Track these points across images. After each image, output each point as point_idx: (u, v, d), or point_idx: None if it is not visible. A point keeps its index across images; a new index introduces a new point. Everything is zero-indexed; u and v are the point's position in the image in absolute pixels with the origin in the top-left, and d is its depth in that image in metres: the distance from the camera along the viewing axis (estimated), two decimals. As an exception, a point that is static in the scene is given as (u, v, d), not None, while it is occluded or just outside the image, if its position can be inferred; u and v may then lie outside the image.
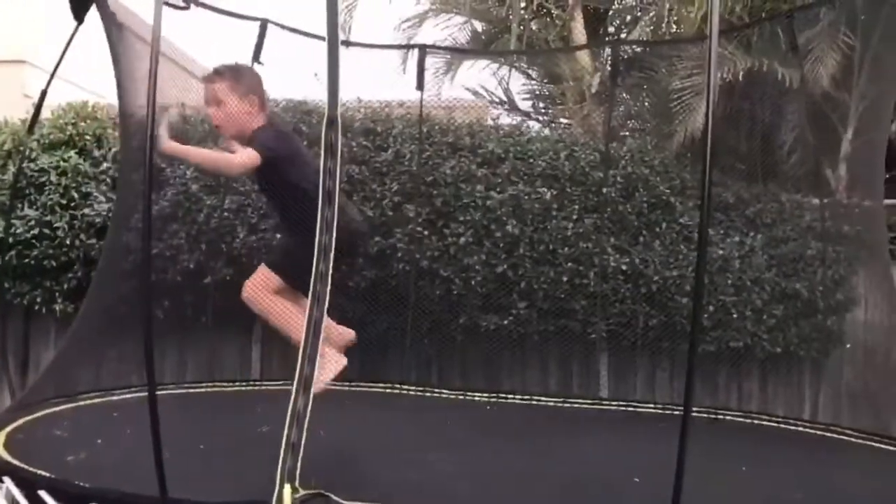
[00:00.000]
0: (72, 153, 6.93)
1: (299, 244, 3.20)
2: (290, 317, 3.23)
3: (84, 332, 5.32)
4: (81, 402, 4.98)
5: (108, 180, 6.84)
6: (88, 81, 9.37)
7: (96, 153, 7.02)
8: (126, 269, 5.37)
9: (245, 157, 3.11)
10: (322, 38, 2.90)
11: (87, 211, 6.70)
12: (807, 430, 5.59)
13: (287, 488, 2.46)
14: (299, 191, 3.27)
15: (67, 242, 6.65)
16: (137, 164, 4.52)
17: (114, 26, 4.93)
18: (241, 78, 3.32)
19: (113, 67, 5.14)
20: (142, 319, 2.49)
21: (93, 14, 4.79)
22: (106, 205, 6.66)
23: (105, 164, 6.94)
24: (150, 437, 2.51)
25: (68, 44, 4.82)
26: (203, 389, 6.01)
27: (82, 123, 7.18)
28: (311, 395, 2.47)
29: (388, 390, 6.20)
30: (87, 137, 7.08)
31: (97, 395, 5.18)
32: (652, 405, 6.31)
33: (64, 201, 6.75)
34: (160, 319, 6.18)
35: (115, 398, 5.13)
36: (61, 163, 6.84)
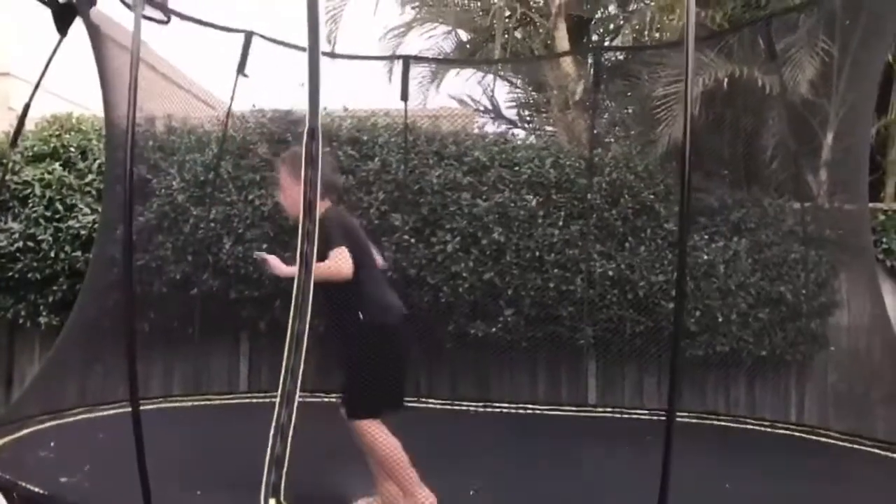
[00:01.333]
0: (56, 165, 6.92)
1: (364, 363, 3.31)
2: (393, 458, 3.28)
3: (69, 345, 5.29)
4: (67, 419, 4.95)
5: (94, 192, 6.83)
6: (73, 93, 9.35)
7: (81, 165, 7.01)
8: (111, 282, 5.35)
9: (344, 261, 3.18)
10: (306, 50, 2.91)
11: (72, 223, 6.69)
12: (793, 433, 5.63)
13: (272, 502, 2.46)
14: (362, 292, 3.35)
15: (52, 255, 6.62)
16: (122, 175, 4.52)
17: (98, 39, 4.94)
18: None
19: (98, 79, 5.14)
20: (125, 336, 2.48)
21: (77, 26, 4.79)
22: (91, 217, 6.65)
23: (90, 176, 6.93)
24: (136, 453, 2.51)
25: (52, 56, 4.81)
26: (190, 403, 5.99)
27: (67, 135, 7.18)
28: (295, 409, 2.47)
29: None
30: (72, 149, 7.07)
31: (83, 411, 5.15)
32: (639, 411, 6.34)
33: (48, 214, 6.73)
34: (146, 332, 6.17)
35: (100, 414, 5.10)
36: (46, 175, 6.83)
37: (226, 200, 6.56)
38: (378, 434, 3.31)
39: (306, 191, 2.68)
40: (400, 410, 3.45)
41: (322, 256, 3.08)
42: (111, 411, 5.08)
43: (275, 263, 3.54)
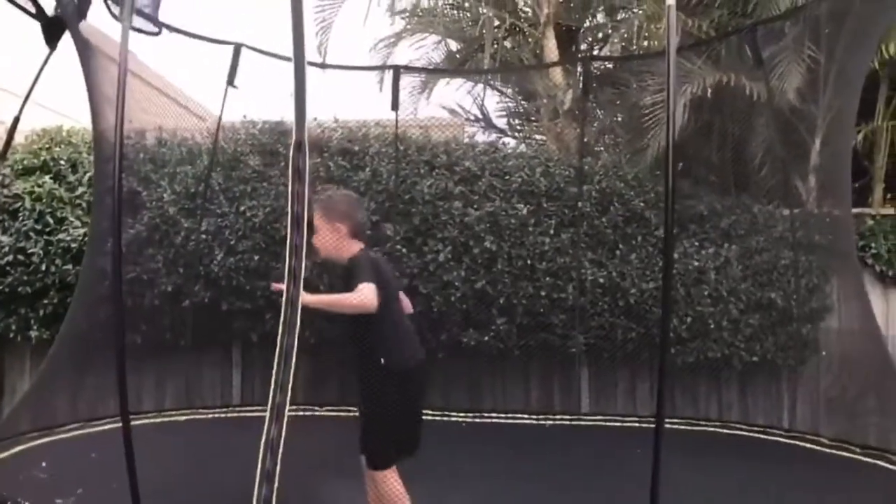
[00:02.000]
0: (46, 178, 6.91)
1: (378, 406, 3.30)
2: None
3: (60, 360, 5.27)
4: (59, 436, 4.93)
5: (84, 205, 6.82)
6: (63, 105, 9.34)
7: (71, 178, 7.00)
8: (102, 295, 5.34)
9: (371, 294, 3.18)
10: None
11: (62, 236, 6.67)
12: (784, 439, 5.65)
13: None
14: (384, 333, 3.36)
15: (43, 268, 6.61)
16: (111, 187, 4.53)
17: (87, 51, 4.94)
18: (331, 206, 3.49)
19: (87, 92, 5.14)
20: (115, 351, 2.48)
21: (66, 39, 4.79)
22: (82, 230, 6.63)
23: (80, 189, 6.92)
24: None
25: (41, 69, 4.81)
26: (183, 417, 5.97)
27: (57, 148, 7.17)
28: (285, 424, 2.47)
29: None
30: (62, 162, 7.06)
31: (75, 427, 5.13)
32: (632, 418, 6.35)
33: (39, 227, 6.72)
34: (138, 345, 6.16)
35: (92, 430, 5.08)
36: (36, 188, 6.82)
37: (217, 212, 6.56)
38: (393, 485, 3.33)
39: (293, 204, 2.69)
40: (414, 453, 3.45)
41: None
42: (103, 426, 5.07)
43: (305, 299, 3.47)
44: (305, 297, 3.34)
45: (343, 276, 3.42)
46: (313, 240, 3.44)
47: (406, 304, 3.69)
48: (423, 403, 3.60)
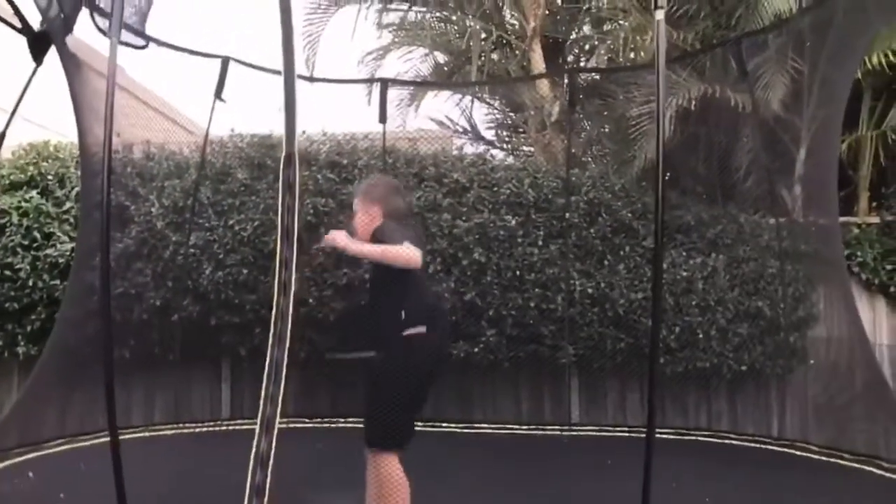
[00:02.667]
0: (33, 193, 6.89)
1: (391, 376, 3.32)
2: (400, 495, 3.30)
3: (47, 375, 5.23)
4: (46, 451, 4.89)
5: (72, 220, 6.80)
6: (50, 120, 9.31)
7: (59, 193, 6.98)
8: (90, 309, 5.31)
9: (416, 252, 3.30)
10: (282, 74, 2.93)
11: (49, 251, 6.65)
12: (774, 447, 5.67)
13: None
14: (410, 287, 3.45)
15: (30, 284, 6.57)
16: (98, 202, 4.51)
17: (74, 66, 4.93)
18: (369, 191, 3.65)
19: (73, 106, 5.13)
20: (104, 365, 2.47)
21: (53, 53, 4.78)
22: (69, 245, 6.61)
23: (68, 204, 6.90)
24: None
25: (28, 84, 4.80)
26: (172, 431, 5.94)
27: (44, 163, 7.15)
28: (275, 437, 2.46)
29: (359, 424, 6.16)
30: (50, 177, 7.04)
31: (62, 442, 5.09)
32: (622, 428, 6.36)
33: (26, 242, 6.69)
34: (126, 359, 6.12)
35: (80, 444, 5.04)
36: (23, 203, 6.79)
37: (205, 226, 6.54)
38: (394, 472, 3.32)
39: (284, 216, 2.68)
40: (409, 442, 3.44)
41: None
42: (91, 441, 5.03)
43: (340, 238, 3.46)
44: (353, 246, 3.39)
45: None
46: (353, 222, 3.57)
47: None
48: (435, 376, 3.57)
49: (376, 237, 3.41)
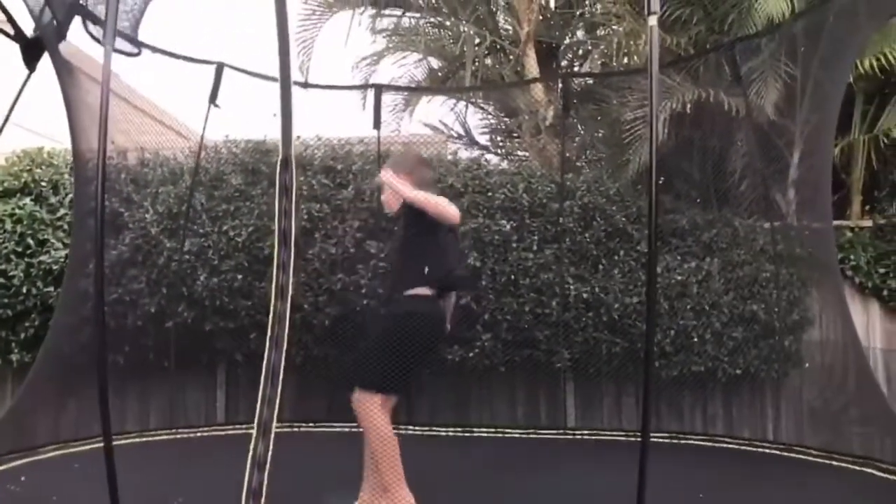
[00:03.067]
0: (27, 200, 6.87)
1: (399, 327, 3.42)
2: (386, 447, 3.31)
3: (41, 382, 5.21)
4: (39, 456, 4.86)
5: (66, 227, 6.78)
6: (44, 127, 9.29)
7: (53, 199, 6.96)
8: (84, 316, 5.30)
9: (455, 207, 3.53)
10: (277, 80, 2.94)
11: (43, 258, 6.62)
12: (770, 450, 5.68)
13: (250, 533, 2.44)
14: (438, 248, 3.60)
15: (24, 291, 6.55)
16: (92, 208, 4.51)
17: (67, 73, 4.92)
18: (399, 161, 3.79)
19: (66, 112, 5.12)
20: (98, 369, 2.46)
21: (46, 59, 4.78)
22: (63, 252, 6.59)
23: (62, 211, 6.88)
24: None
25: (21, 90, 4.79)
26: (166, 437, 5.91)
27: (38, 170, 7.12)
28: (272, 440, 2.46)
29: (355, 429, 6.16)
30: (43, 184, 7.02)
31: (56, 448, 5.07)
32: (618, 432, 6.36)
33: (20, 249, 6.66)
34: (121, 366, 6.10)
35: (74, 450, 5.02)
36: (17, 210, 6.77)
37: (199, 232, 6.53)
38: (379, 421, 3.33)
39: (281, 220, 2.69)
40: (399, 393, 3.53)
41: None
42: (85, 447, 5.01)
43: (392, 180, 3.59)
44: (406, 191, 3.45)
45: (406, 216, 3.62)
46: (382, 196, 3.70)
47: None
48: (433, 341, 3.63)
49: (408, 207, 3.50)
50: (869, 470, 4.86)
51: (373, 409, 3.33)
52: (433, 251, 3.54)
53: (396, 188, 3.48)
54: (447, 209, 3.46)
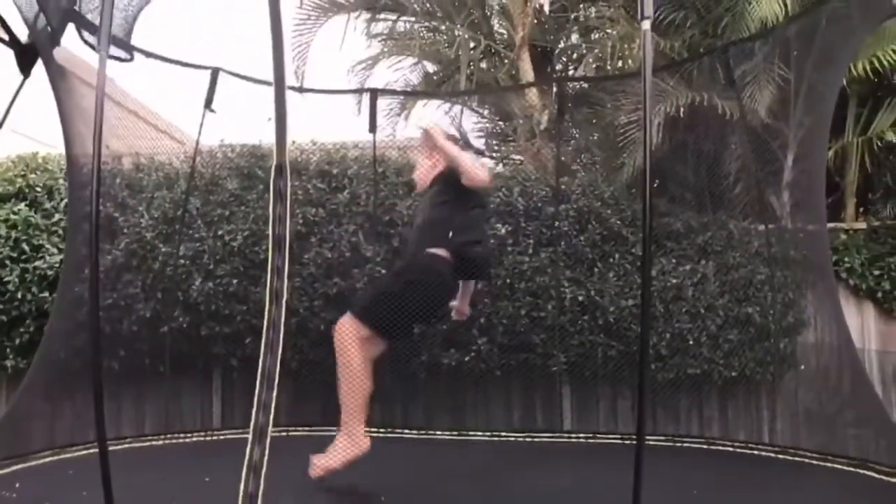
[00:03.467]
0: (22, 205, 6.86)
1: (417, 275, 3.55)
2: (352, 398, 3.31)
3: (35, 387, 5.20)
4: (34, 462, 4.85)
5: (61, 232, 6.77)
6: (38, 132, 9.27)
7: (47, 205, 6.95)
8: (79, 322, 5.29)
9: (485, 169, 3.70)
10: (272, 85, 2.95)
11: (38, 264, 6.61)
12: (766, 453, 5.68)
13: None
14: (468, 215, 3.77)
15: (18, 296, 6.54)
16: (87, 213, 4.50)
17: (61, 78, 4.92)
18: (428, 139, 3.97)
19: (60, 118, 5.12)
20: (92, 374, 2.46)
21: (41, 64, 4.77)
22: (58, 257, 6.58)
23: (57, 216, 6.87)
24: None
25: (15, 96, 4.79)
26: (162, 442, 5.90)
27: (32, 175, 7.12)
28: (267, 446, 2.46)
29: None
30: (38, 189, 7.01)
31: (51, 453, 5.05)
32: (613, 436, 6.36)
33: (14, 254, 6.66)
34: (116, 371, 6.09)
35: (68, 456, 5.00)
36: (11, 215, 6.76)
37: (195, 237, 6.53)
38: (352, 351, 3.34)
39: (275, 226, 2.69)
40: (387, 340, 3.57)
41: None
42: (80, 453, 4.99)
43: (436, 134, 3.84)
44: (447, 145, 3.52)
45: (437, 190, 3.80)
46: (414, 174, 3.92)
47: None
48: (446, 301, 3.77)
49: (439, 181, 3.56)
50: (865, 472, 4.86)
51: (350, 337, 3.32)
52: (460, 223, 3.62)
53: (439, 141, 3.67)
54: (479, 170, 3.58)
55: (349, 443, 3.33)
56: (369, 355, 3.43)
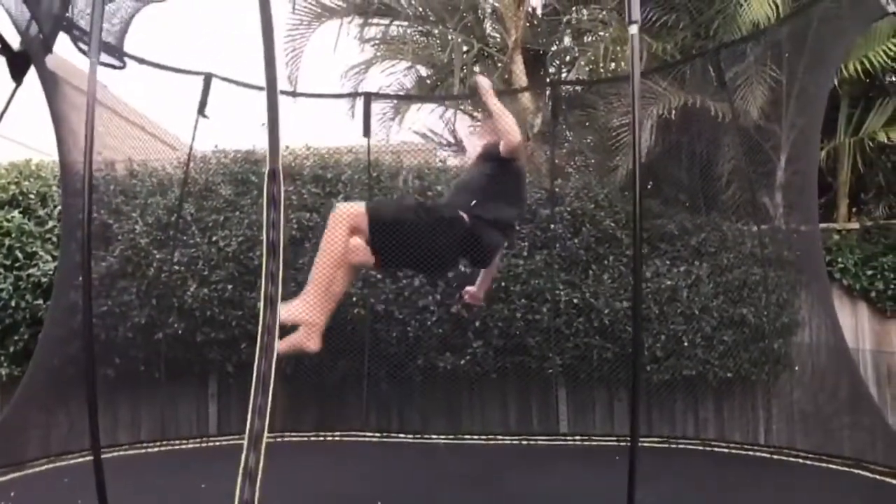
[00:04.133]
0: (15, 213, 6.84)
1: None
2: (320, 271, 3.34)
3: (31, 395, 5.18)
4: (29, 470, 4.84)
5: (54, 239, 6.75)
6: (32, 139, 9.26)
7: (41, 212, 6.93)
8: (73, 329, 5.27)
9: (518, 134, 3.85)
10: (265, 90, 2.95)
11: (32, 271, 6.60)
12: (761, 453, 5.70)
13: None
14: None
15: (13, 304, 6.52)
16: (80, 220, 4.50)
17: (53, 85, 4.92)
18: (479, 90, 4.17)
19: (53, 125, 5.11)
20: (86, 381, 2.45)
21: (33, 71, 4.77)
22: (52, 264, 6.56)
23: (50, 223, 6.85)
24: None
25: (7, 104, 4.78)
26: (158, 449, 5.89)
27: (26, 182, 7.10)
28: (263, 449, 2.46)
29: (347, 438, 6.17)
30: (31, 196, 6.99)
31: (47, 462, 5.04)
32: (609, 438, 6.37)
33: (8, 262, 6.64)
34: (111, 378, 6.08)
35: (64, 463, 4.99)
36: (4, 223, 6.74)
37: (189, 243, 6.52)
38: (339, 234, 3.39)
39: (269, 232, 2.70)
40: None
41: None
42: (76, 460, 4.98)
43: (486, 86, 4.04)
44: (493, 99, 3.86)
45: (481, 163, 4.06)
46: (467, 143, 3.99)
47: None
48: (452, 263, 3.93)
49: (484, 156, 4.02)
50: (860, 472, 4.88)
51: (343, 219, 3.39)
52: (495, 194, 3.80)
53: (487, 94, 3.92)
54: (514, 127, 3.80)
55: (302, 307, 3.24)
56: (353, 249, 3.41)
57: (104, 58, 4.65)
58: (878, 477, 4.67)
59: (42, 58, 4.65)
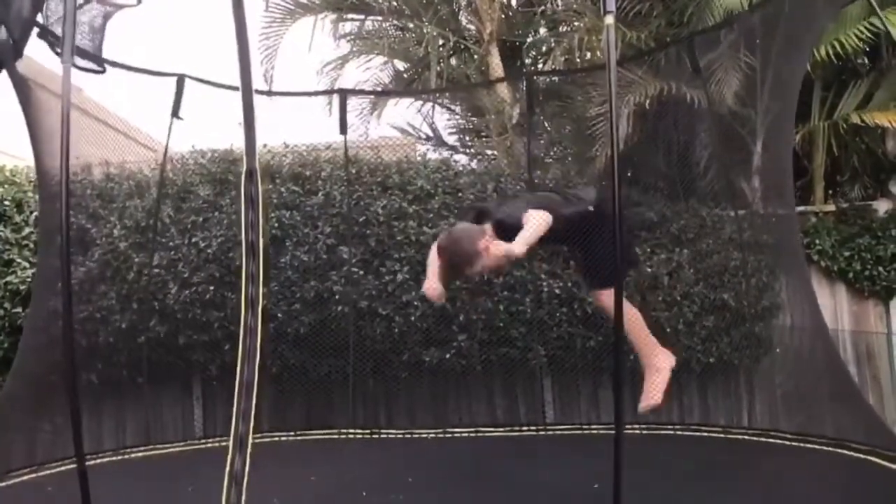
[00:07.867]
0: (-9, 220, 6.75)
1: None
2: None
3: (12, 404, 5.13)
4: (13, 480, 4.79)
5: (31, 246, 6.68)
6: (5, 144, 9.13)
7: (17, 218, 6.86)
8: (53, 336, 5.22)
9: (542, 214, 3.72)
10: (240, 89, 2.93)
11: (10, 279, 6.53)
12: (746, 437, 5.75)
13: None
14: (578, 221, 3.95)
15: (-9, 313, 6.45)
16: (58, 226, 4.45)
17: (26, 90, 4.85)
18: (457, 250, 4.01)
19: (28, 130, 5.05)
20: (67, 387, 2.43)
21: (5, 77, 4.70)
22: (30, 271, 6.50)
23: (27, 230, 6.78)
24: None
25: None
26: (143, 454, 5.85)
27: (0, 188, 7.00)
28: (250, 453, 2.45)
29: (334, 436, 6.16)
30: (6, 203, 6.91)
31: (30, 471, 4.99)
32: (595, 426, 6.41)
33: (-16, 270, 6.55)
34: (94, 384, 6.03)
35: (48, 472, 4.94)
36: (-21, 231, 6.66)
37: (169, 245, 6.47)
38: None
39: (248, 232, 2.68)
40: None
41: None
42: (60, 468, 4.93)
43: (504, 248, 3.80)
44: (516, 249, 3.62)
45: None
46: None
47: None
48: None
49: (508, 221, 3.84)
50: (842, 451, 4.94)
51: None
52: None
53: (519, 246, 3.68)
54: (542, 226, 3.69)
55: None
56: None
57: (84, 63, 4.59)
58: (860, 455, 4.73)
59: (13, 62, 4.58)
